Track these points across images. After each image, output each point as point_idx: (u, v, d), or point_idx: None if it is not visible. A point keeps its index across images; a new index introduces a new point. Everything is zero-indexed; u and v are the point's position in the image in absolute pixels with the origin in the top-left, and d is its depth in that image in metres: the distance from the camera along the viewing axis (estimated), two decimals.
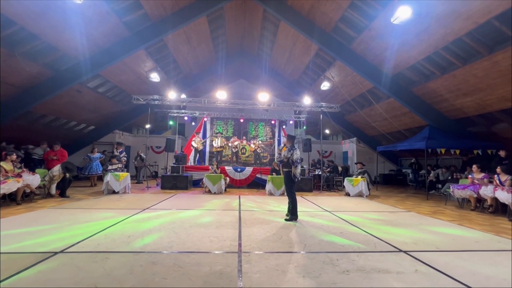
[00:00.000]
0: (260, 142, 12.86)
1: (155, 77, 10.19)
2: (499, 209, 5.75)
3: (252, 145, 12.28)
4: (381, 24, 7.10)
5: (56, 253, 2.80)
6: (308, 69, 11.73)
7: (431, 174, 9.92)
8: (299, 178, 4.91)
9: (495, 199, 5.65)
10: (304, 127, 15.71)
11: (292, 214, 4.70)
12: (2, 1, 5.37)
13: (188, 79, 13.63)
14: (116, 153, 9.23)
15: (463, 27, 5.91)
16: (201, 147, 11.75)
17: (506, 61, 5.87)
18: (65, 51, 7.44)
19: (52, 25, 6.51)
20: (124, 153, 9.56)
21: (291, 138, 5.07)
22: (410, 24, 6.36)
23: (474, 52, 6.39)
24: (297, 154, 4.79)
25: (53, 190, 6.65)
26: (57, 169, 6.70)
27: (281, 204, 6.22)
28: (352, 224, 4.47)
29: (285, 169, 4.88)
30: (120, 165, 8.65)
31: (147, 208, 5.44)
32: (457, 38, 6.24)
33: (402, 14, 5.86)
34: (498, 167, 5.91)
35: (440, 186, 9.59)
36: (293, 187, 4.86)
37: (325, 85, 10.85)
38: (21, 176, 5.60)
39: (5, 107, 7.71)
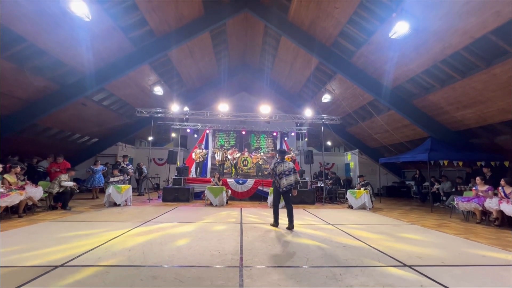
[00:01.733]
0: (262, 154, 12.86)
1: (158, 90, 10.37)
2: (505, 222, 5.65)
3: (253, 157, 12.28)
4: (380, 38, 7.27)
5: (56, 266, 2.78)
6: (309, 82, 11.90)
7: (435, 186, 9.82)
8: (284, 189, 5.12)
9: (501, 212, 5.56)
10: (306, 139, 15.75)
11: (275, 221, 5.25)
12: (13, 19, 5.60)
13: (191, 92, 13.86)
14: (123, 165, 9.26)
15: (460, 41, 6.03)
16: (199, 159, 11.53)
17: (504, 74, 5.94)
18: (72, 65, 7.65)
19: (60, 41, 6.73)
20: (131, 165, 9.60)
21: (279, 153, 5.67)
22: (409, 38, 6.51)
23: (473, 66, 6.48)
24: (284, 167, 5.20)
25: (71, 183, 7.00)
26: (64, 177, 6.94)
27: (284, 217, 6.14)
28: (355, 238, 4.40)
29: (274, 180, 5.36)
30: (122, 177, 8.66)
31: (148, 221, 5.41)
32: (455, 52, 6.35)
33: (400, 29, 6.00)
34: (502, 179, 5.86)
35: (444, 198, 9.47)
36: (278, 198, 5.33)
37: (326, 98, 10.97)
38: (24, 189, 5.62)
39: (11, 120, 7.86)
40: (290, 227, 4.95)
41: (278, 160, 5.37)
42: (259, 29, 10.56)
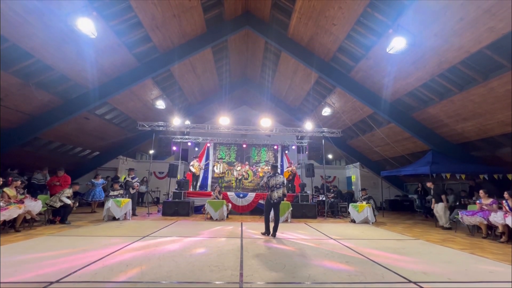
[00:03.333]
0: (266, 168, 12.72)
1: (160, 104, 10.50)
2: None
3: (260, 170, 12.20)
4: (378, 53, 7.43)
5: (51, 283, 2.71)
6: (309, 95, 12.06)
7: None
8: (275, 201, 5.60)
9: (506, 226, 5.45)
10: (306, 152, 15.72)
11: (266, 229, 5.65)
12: (22, 36, 5.79)
13: (193, 106, 14.03)
14: (128, 179, 9.16)
15: (456, 56, 6.16)
16: (198, 172, 11.45)
17: (502, 87, 6.02)
18: (76, 80, 7.81)
19: (66, 57, 6.91)
20: (137, 178, 9.48)
21: (272, 167, 6.15)
22: (406, 53, 6.64)
23: (470, 79, 6.58)
24: (276, 180, 5.62)
25: (69, 201, 6.91)
26: (68, 192, 7.02)
27: (284, 232, 6.06)
28: (358, 253, 4.30)
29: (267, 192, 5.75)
30: (121, 191, 8.57)
31: (147, 236, 5.32)
32: (452, 66, 6.47)
33: (397, 44, 6.14)
34: (506, 192, 5.78)
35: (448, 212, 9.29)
36: (269, 208, 5.75)
37: (326, 111, 11.06)
38: (23, 202, 5.58)
39: (15, 133, 7.94)
40: (274, 235, 5.53)
41: (271, 174, 5.79)
42: (260, 45, 10.84)
